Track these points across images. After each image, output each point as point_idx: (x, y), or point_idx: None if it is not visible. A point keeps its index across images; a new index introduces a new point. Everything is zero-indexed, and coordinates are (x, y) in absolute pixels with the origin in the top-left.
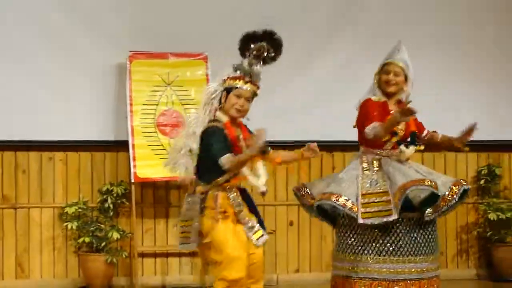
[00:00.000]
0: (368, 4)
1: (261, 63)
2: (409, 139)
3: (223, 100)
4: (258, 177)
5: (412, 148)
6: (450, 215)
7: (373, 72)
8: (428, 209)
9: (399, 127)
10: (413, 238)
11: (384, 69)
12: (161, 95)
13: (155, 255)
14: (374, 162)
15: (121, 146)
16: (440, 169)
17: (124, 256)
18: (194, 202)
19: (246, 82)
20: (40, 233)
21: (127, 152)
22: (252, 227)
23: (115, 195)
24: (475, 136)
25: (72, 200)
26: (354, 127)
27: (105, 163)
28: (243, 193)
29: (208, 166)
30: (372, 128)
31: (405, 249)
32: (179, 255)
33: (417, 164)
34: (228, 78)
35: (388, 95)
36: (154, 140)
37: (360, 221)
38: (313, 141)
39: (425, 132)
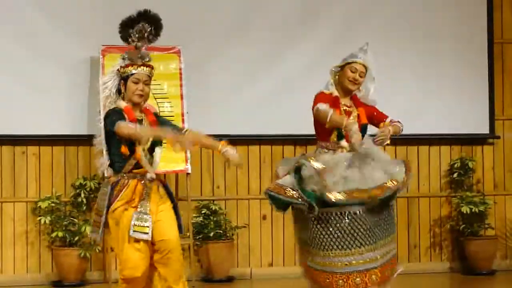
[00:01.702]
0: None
1: (147, 43)
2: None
3: (123, 90)
4: (151, 163)
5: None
6: (424, 208)
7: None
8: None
9: (351, 119)
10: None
11: (350, 66)
12: None
13: None
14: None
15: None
16: (413, 162)
17: (97, 250)
18: (104, 193)
19: (139, 66)
20: (13, 227)
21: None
22: (141, 219)
23: (88, 189)
24: (448, 130)
25: (45, 194)
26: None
27: (78, 157)
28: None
29: (113, 152)
30: (324, 106)
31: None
32: None
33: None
34: (121, 67)
35: (346, 92)
36: None
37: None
38: (287, 135)
39: (387, 121)
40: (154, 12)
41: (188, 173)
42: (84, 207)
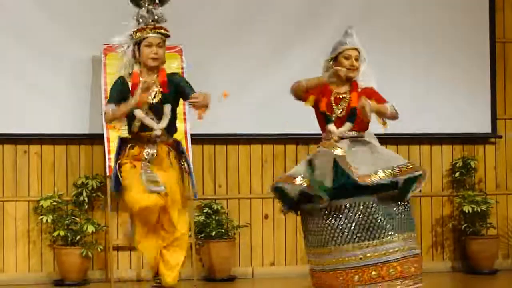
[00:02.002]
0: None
1: (159, 4)
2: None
3: (137, 55)
4: (156, 122)
5: (347, 126)
6: (425, 207)
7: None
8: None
9: (338, 106)
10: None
11: (344, 54)
12: None
13: (130, 248)
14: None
15: (96, 139)
16: (415, 161)
17: (99, 249)
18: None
19: (151, 30)
20: (14, 226)
21: (102, 145)
22: (150, 176)
23: (90, 188)
24: (450, 129)
25: (47, 193)
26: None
27: (80, 156)
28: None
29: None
30: (295, 82)
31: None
32: None
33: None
34: (134, 32)
35: (346, 80)
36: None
37: None
38: (289, 134)
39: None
40: None
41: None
42: (86, 206)
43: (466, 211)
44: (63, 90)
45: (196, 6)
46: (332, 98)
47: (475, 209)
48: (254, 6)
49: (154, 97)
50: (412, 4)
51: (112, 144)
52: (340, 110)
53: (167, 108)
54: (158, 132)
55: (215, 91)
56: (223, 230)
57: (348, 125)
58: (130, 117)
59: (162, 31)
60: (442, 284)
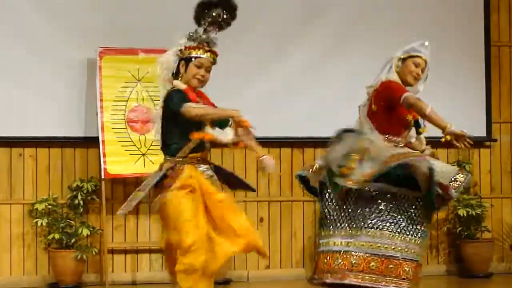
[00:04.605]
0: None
1: (217, 29)
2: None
3: (182, 70)
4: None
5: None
6: None
7: (395, 57)
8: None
9: (409, 115)
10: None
11: (414, 60)
12: (131, 91)
13: (125, 251)
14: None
15: (91, 142)
16: None
17: (94, 252)
18: (151, 176)
19: (205, 51)
20: (9, 229)
21: (97, 148)
22: None
23: (85, 191)
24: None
25: (42, 196)
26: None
27: (75, 159)
28: (217, 169)
29: (171, 132)
30: (414, 95)
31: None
32: (149, 251)
33: None
34: (185, 47)
35: (405, 85)
36: (124, 136)
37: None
38: (284, 137)
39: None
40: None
41: None
42: (81, 209)
43: (461, 214)
44: (58, 93)
45: (192, 10)
46: None
47: (470, 213)
48: (251, 9)
49: None
50: (407, 7)
51: (107, 147)
52: (410, 117)
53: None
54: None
55: (210, 94)
56: None
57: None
58: (197, 139)
59: (215, 56)
60: (437, 287)
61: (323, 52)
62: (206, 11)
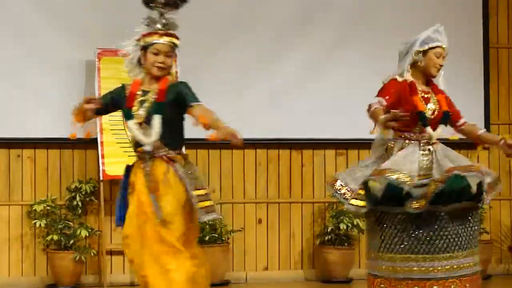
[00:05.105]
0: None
1: (174, 9)
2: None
3: (142, 61)
4: (148, 135)
5: (440, 130)
6: None
7: (413, 50)
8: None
9: (428, 107)
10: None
11: (435, 51)
12: None
13: (123, 253)
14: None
15: (89, 143)
16: None
17: (92, 254)
18: None
19: (161, 36)
20: (8, 230)
21: (96, 149)
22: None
23: (83, 192)
24: (444, 134)
25: (40, 197)
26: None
27: (73, 160)
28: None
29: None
30: (376, 102)
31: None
32: None
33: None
34: (142, 35)
35: (427, 78)
36: (123, 138)
37: None
38: (282, 139)
39: (461, 121)
40: None
41: None
42: (80, 211)
43: None
44: (56, 94)
45: (190, 10)
46: (420, 96)
47: None
48: (249, 11)
49: (142, 107)
50: (407, 7)
51: (106, 148)
52: (431, 112)
53: (158, 118)
54: (146, 148)
55: (207, 96)
56: (216, 235)
57: (441, 128)
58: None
59: (173, 39)
60: None
61: (323, 52)
62: None
